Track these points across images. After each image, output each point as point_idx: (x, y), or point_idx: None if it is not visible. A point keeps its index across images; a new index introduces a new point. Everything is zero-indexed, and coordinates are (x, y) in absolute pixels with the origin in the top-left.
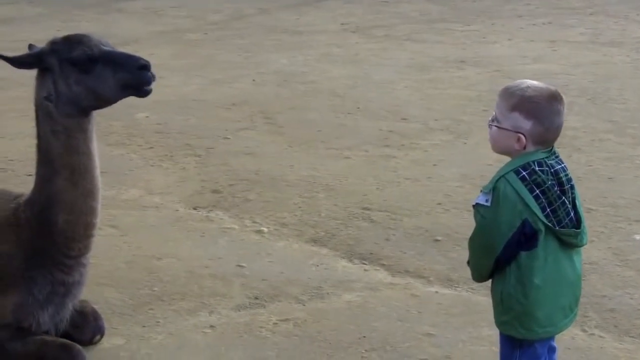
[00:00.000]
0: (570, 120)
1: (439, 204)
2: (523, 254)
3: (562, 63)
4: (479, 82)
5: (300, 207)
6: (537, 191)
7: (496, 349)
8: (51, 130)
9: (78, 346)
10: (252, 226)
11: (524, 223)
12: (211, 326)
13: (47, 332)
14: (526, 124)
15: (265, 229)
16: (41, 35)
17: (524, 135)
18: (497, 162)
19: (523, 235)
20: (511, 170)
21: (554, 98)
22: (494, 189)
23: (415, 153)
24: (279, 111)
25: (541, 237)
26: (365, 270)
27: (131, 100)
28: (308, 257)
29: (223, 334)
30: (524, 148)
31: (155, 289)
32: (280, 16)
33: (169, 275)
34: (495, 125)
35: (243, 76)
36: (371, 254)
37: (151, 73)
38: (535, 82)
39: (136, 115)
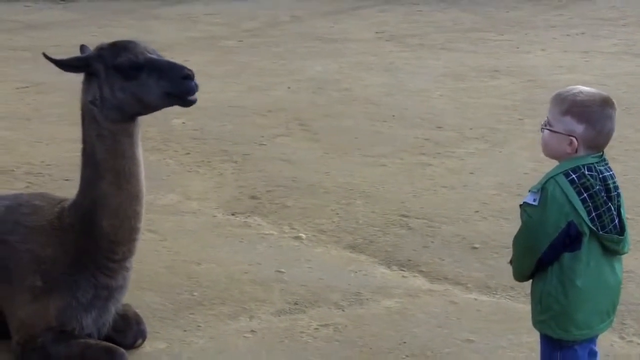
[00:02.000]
0: None
1: (477, 211)
2: (566, 255)
3: (595, 74)
4: (513, 92)
5: (337, 213)
6: (585, 195)
7: (536, 355)
8: (97, 134)
9: (121, 349)
10: (291, 232)
11: (570, 225)
12: (252, 331)
13: (90, 336)
14: (578, 128)
15: (304, 235)
16: (78, 40)
17: (576, 139)
18: (533, 172)
19: (568, 236)
20: (561, 173)
21: (605, 103)
22: (542, 189)
23: (451, 161)
24: (315, 118)
25: (585, 240)
26: (403, 276)
27: None
28: (346, 263)
29: (264, 339)
30: (576, 152)
31: (196, 293)
32: (314, 24)
33: (209, 280)
34: (548, 129)
35: (278, 83)
36: (409, 260)
37: (195, 82)
38: (587, 88)
39: (172, 121)
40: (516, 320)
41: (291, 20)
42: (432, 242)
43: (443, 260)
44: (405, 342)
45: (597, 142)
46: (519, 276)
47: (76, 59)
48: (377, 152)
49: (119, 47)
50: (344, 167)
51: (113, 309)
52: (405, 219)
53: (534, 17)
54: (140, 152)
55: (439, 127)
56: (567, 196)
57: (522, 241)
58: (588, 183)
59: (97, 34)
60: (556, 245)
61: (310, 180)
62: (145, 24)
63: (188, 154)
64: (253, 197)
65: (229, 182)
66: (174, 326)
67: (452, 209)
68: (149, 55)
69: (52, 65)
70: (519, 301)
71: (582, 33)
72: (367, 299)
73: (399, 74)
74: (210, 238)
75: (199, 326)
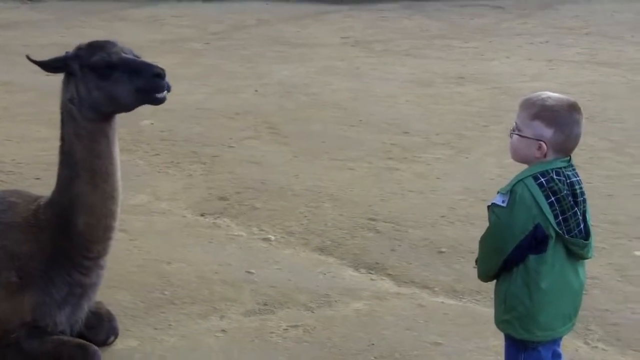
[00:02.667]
0: None
1: (443, 216)
2: (532, 257)
3: (559, 82)
4: (478, 99)
5: (306, 216)
6: (553, 198)
7: (502, 359)
8: (74, 133)
9: (94, 346)
10: (259, 234)
11: (537, 227)
12: (223, 330)
13: (62, 333)
14: (547, 132)
15: (272, 237)
16: (46, 40)
17: (545, 143)
18: (499, 177)
19: (534, 239)
20: (530, 176)
21: (573, 108)
22: (511, 192)
23: (418, 166)
24: (283, 122)
25: (551, 243)
26: (371, 279)
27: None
28: (315, 265)
29: (235, 338)
30: (545, 156)
31: (166, 292)
32: (281, 28)
33: (180, 280)
34: (517, 134)
35: (246, 86)
36: (377, 263)
37: (166, 82)
38: (555, 94)
39: (141, 122)
40: (483, 324)
41: (258, 24)
42: (400, 245)
43: (410, 263)
44: (373, 344)
45: (566, 146)
46: (484, 276)
47: (55, 59)
48: (345, 156)
49: (95, 47)
50: (312, 171)
51: (86, 307)
52: (373, 222)
53: (498, 25)
54: (117, 152)
55: (406, 133)
56: (535, 199)
57: (489, 242)
58: (556, 187)
59: (65, 35)
60: (522, 246)
61: (279, 183)
62: (112, 26)
63: (157, 154)
64: (222, 199)
65: (198, 184)
66: (145, 324)
67: (419, 213)
68: (123, 54)
69: (20, 65)
70: (485, 305)
71: (546, 41)
72: (335, 301)
73: (366, 79)
74: (180, 238)
75: (170, 325)
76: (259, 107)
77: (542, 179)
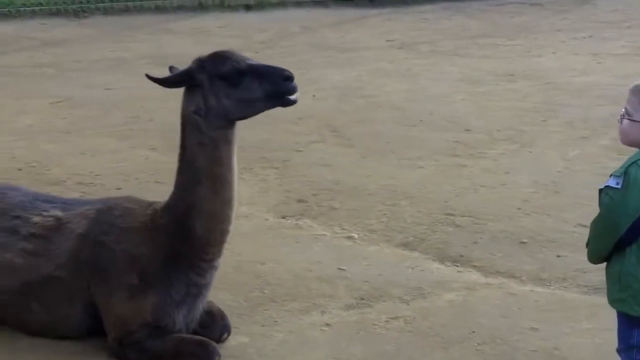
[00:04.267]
0: None
1: (519, 208)
2: None
3: (609, 75)
4: (531, 94)
5: (385, 214)
6: None
7: (599, 340)
8: (198, 142)
9: (213, 343)
10: (342, 233)
11: None
12: (327, 324)
13: (180, 331)
14: None
15: (356, 235)
16: (96, 55)
17: None
18: (565, 170)
19: None
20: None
21: None
22: (625, 173)
23: (485, 162)
24: (345, 124)
25: None
26: (458, 271)
27: None
28: (401, 260)
29: (340, 331)
30: None
31: (266, 291)
32: (325, 34)
33: (276, 279)
34: (628, 119)
35: (302, 92)
36: (461, 256)
37: (295, 84)
38: None
39: None
40: (573, 309)
41: (302, 32)
42: (481, 238)
43: (494, 255)
44: (474, 332)
45: None
46: (595, 257)
47: (178, 74)
48: (411, 155)
49: (219, 57)
50: (382, 170)
51: (201, 306)
52: (451, 217)
53: (539, 21)
54: (236, 159)
55: (467, 130)
56: None
57: (603, 223)
58: None
59: (114, 49)
60: (637, 226)
61: (352, 183)
62: (159, 38)
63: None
64: (300, 201)
65: (273, 187)
66: (252, 322)
67: (494, 206)
68: (249, 61)
69: (75, 80)
70: (572, 291)
71: (590, 36)
72: (428, 293)
73: (418, 79)
74: (266, 239)
75: (275, 321)
76: (319, 112)
77: None
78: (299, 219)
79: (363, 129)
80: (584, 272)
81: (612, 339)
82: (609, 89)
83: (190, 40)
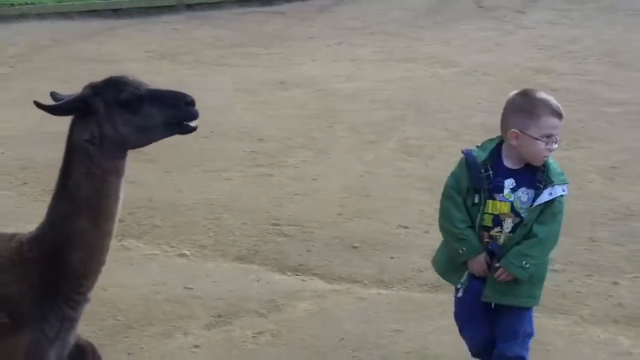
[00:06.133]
0: (410, 131)
1: (339, 214)
2: None
3: (374, 80)
4: (309, 102)
5: (210, 228)
6: None
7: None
8: (87, 172)
9: None
10: (172, 250)
11: None
12: (195, 346)
13: None
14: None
15: (188, 252)
16: None
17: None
18: (368, 174)
19: None
20: None
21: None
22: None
23: (289, 170)
24: None
25: None
26: (302, 280)
27: None
28: (244, 273)
29: (212, 351)
30: None
31: (119, 318)
32: (79, 46)
33: (125, 304)
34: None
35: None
36: (300, 265)
37: (197, 109)
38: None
39: None
40: (425, 308)
41: (54, 44)
42: (314, 246)
43: (331, 261)
44: (344, 339)
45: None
46: (535, 270)
47: (73, 101)
48: (214, 167)
49: (117, 83)
50: (191, 184)
51: (72, 340)
52: (278, 227)
53: (288, 29)
54: (122, 191)
55: (261, 140)
56: None
57: (558, 231)
58: None
59: None
60: None
61: (167, 199)
62: None
63: (25, 184)
64: (118, 220)
65: None
66: (116, 351)
67: (316, 213)
68: (149, 87)
69: None
70: (415, 291)
71: (340, 43)
72: (282, 305)
73: (193, 91)
74: None
75: (141, 348)
76: None
77: None
78: (121, 239)
79: (158, 143)
80: (421, 271)
81: None
82: (380, 93)
83: None
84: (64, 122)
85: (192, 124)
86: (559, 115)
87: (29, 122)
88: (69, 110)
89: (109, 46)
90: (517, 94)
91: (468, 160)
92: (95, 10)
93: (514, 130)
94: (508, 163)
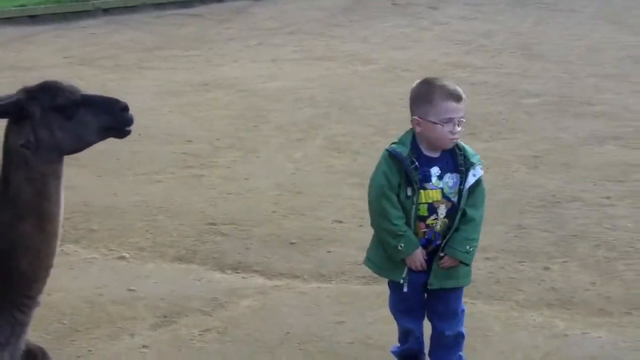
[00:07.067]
0: (336, 128)
1: (274, 212)
2: None
3: (295, 79)
4: (233, 102)
5: (147, 230)
6: None
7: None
8: (25, 177)
9: None
10: (112, 254)
11: None
12: (144, 346)
13: None
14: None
15: (127, 255)
16: None
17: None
18: (298, 171)
19: None
20: None
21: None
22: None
23: (220, 171)
24: None
25: None
26: (243, 277)
27: None
28: (184, 274)
29: (161, 351)
30: None
31: (65, 322)
32: None
33: (70, 308)
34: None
35: None
36: (240, 263)
37: (131, 114)
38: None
39: None
40: (364, 299)
41: None
42: (252, 244)
43: (270, 258)
44: (289, 332)
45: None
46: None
47: (7, 104)
48: (145, 170)
49: (52, 88)
50: (124, 187)
51: (22, 345)
52: (214, 227)
53: (206, 32)
54: (63, 193)
55: (189, 141)
56: None
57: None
58: None
59: None
60: None
61: (102, 203)
62: None
63: None
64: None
65: None
66: (65, 355)
67: (250, 212)
68: (83, 92)
69: None
70: (354, 283)
71: (260, 44)
72: (226, 302)
73: (116, 94)
74: None
75: (89, 350)
76: None
77: None
78: (60, 244)
79: (89, 148)
80: (358, 264)
81: None
82: (303, 92)
83: None
84: None
85: (128, 128)
86: (456, 98)
87: None
88: (4, 113)
89: (27, 53)
90: (418, 83)
91: (396, 156)
92: (10, 18)
93: (415, 117)
94: (427, 152)
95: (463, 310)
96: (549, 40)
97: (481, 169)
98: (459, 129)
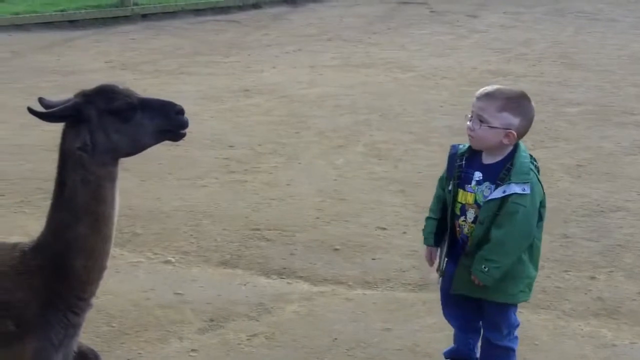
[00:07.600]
0: (377, 135)
1: (317, 218)
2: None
3: (335, 85)
4: (273, 108)
5: (192, 235)
6: (539, 175)
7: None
8: (82, 179)
9: None
10: (157, 257)
11: (540, 203)
12: (193, 350)
13: None
14: (515, 121)
15: (172, 259)
16: None
17: (514, 132)
18: (340, 177)
19: (538, 213)
20: (528, 161)
21: (526, 96)
22: (530, 177)
23: (262, 176)
24: None
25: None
26: (288, 283)
27: None
28: (230, 278)
29: (210, 355)
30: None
31: (114, 324)
32: (38, 58)
33: (118, 311)
34: (487, 125)
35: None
36: (284, 268)
37: (187, 118)
38: (504, 86)
39: None
40: (411, 307)
41: (13, 56)
42: (296, 249)
43: (315, 264)
44: (337, 339)
45: (527, 131)
46: (503, 271)
47: (65, 108)
48: (189, 174)
49: (109, 92)
50: (168, 192)
51: (75, 347)
52: (258, 232)
53: (244, 38)
54: (118, 195)
55: (231, 146)
56: (538, 179)
57: (519, 231)
58: (537, 165)
59: None
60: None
61: (146, 207)
62: None
63: (2, 195)
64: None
65: None
66: (115, 357)
67: (294, 217)
68: (139, 95)
69: None
70: (399, 290)
71: (299, 50)
72: (272, 307)
73: None
74: None
75: (139, 353)
76: None
77: (534, 162)
78: None
79: None
80: (403, 271)
81: None
82: (341, 99)
83: None
84: (37, 135)
85: (183, 131)
86: (477, 94)
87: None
88: (62, 117)
89: (68, 57)
90: None
91: (450, 151)
92: (51, 22)
93: None
94: (485, 156)
95: (512, 326)
96: (589, 49)
97: (524, 189)
98: (468, 124)
